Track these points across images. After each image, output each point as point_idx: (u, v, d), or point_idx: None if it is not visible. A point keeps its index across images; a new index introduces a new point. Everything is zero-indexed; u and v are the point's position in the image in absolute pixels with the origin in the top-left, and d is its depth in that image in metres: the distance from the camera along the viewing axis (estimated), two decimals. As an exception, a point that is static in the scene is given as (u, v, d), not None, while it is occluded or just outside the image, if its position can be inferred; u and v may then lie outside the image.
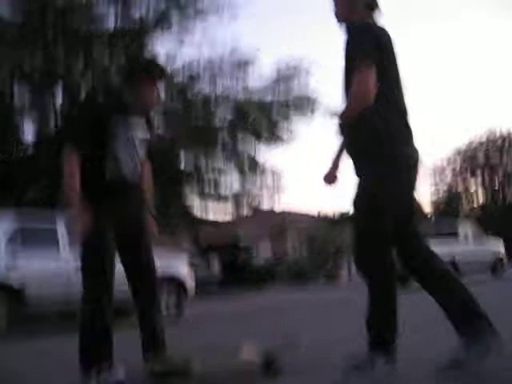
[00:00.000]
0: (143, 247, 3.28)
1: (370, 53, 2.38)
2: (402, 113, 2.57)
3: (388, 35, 2.54)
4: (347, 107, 2.52)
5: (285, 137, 16.16)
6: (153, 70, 3.12)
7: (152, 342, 3.18)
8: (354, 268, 23.02)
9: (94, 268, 3.09)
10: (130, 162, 3.15)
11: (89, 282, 3.10)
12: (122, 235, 3.19)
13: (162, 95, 3.21)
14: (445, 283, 2.59)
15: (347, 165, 2.79)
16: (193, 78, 15.03)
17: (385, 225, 2.53)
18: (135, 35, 14.08)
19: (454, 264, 15.13)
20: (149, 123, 3.32)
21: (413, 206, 2.72)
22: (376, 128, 2.45)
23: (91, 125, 3.05)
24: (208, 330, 7.02)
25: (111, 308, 3.14)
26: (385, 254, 2.58)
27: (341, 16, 2.65)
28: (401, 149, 2.50)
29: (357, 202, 2.58)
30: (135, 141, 3.17)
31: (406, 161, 2.54)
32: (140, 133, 3.21)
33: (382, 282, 2.59)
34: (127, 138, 3.12)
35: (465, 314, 2.51)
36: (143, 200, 3.37)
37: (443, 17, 60.32)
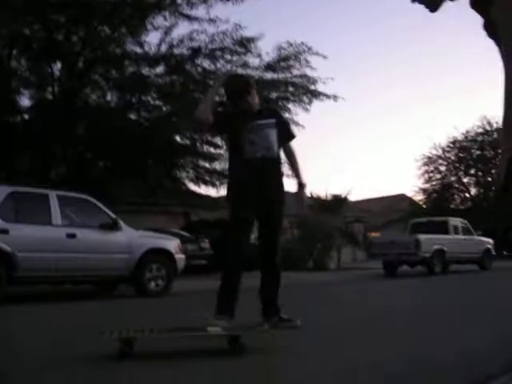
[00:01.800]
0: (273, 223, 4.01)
1: None
2: None
3: None
4: None
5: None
6: (248, 87, 4.00)
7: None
8: (343, 256, 23.08)
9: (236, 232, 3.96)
10: (261, 145, 3.91)
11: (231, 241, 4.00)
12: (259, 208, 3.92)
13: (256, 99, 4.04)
14: None
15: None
16: (193, 51, 14.93)
17: None
18: (137, 6, 13.93)
19: (443, 254, 15.40)
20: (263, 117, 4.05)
21: None
22: None
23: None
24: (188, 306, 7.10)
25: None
26: None
27: None
28: None
29: None
30: (262, 130, 3.95)
31: None
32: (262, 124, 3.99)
33: None
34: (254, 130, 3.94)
35: None
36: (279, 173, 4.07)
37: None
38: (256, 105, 4.03)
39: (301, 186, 4.09)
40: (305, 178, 4.10)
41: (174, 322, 4.78)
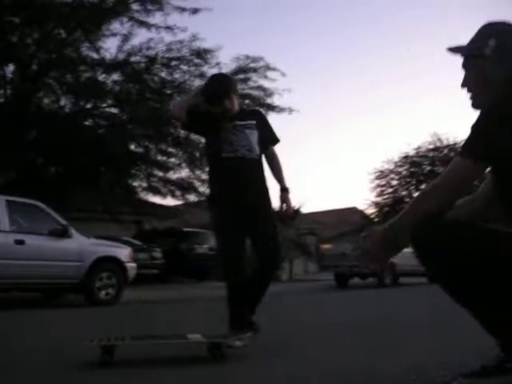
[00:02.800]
0: (263, 220, 3.77)
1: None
2: None
3: None
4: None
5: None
6: (229, 92, 3.85)
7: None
8: (295, 268, 23.21)
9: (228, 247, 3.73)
10: (241, 145, 3.78)
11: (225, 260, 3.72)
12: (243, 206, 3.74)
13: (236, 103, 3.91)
14: None
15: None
16: (149, 59, 14.86)
17: None
18: (93, 10, 13.77)
19: (393, 267, 15.65)
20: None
21: None
22: None
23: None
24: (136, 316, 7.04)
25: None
26: None
27: None
28: None
29: None
30: (241, 131, 3.82)
31: None
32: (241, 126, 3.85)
33: None
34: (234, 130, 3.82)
35: None
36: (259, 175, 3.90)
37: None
38: (235, 108, 3.87)
39: (284, 190, 3.89)
40: (287, 183, 3.92)
41: (136, 330, 4.71)
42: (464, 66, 2.07)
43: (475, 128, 1.86)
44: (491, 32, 1.99)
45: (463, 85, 2.08)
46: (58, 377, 2.83)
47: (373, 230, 2.09)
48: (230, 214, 3.72)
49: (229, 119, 3.81)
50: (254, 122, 3.90)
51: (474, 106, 2.04)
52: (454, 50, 2.06)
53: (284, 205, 3.87)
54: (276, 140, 4.05)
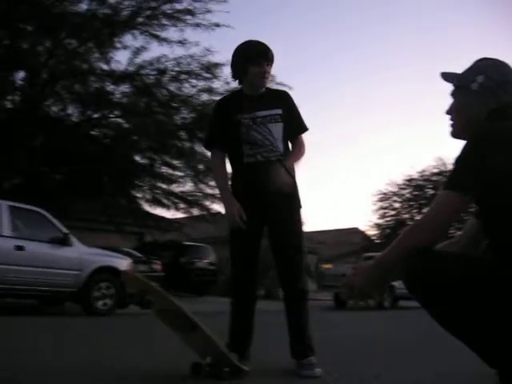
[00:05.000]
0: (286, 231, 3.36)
1: None
2: None
3: None
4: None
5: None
6: (269, 52, 3.34)
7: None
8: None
9: (241, 261, 3.38)
10: (262, 144, 3.31)
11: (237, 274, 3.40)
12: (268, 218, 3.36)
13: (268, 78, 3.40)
14: None
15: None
16: (159, 72, 14.94)
17: None
18: (107, 23, 13.88)
19: (393, 289, 15.59)
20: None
21: None
22: None
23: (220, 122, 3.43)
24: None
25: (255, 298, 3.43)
26: None
27: None
28: None
29: None
30: (263, 124, 3.33)
31: None
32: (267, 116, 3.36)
33: None
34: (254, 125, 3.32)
35: None
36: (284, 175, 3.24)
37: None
38: (266, 81, 3.39)
39: (282, 163, 3.24)
40: (292, 163, 3.33)
41: (130, 342, 4.70)
42: (452, 94, 2.12)
43: (460, 161, 1.89)
44: (483, 68, 2.03)
45: (447, 112, 2.13)
46: None
47: (360, 265, 2.15)
48: (247, 229, 3.27)
49: (250, 108, 3.33)
50: (280, 112, 3.37)
51: (452, 134, 2.11)
52: (446, 76, 2.10)
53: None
54: (305, 128, 3.52)
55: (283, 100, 3.48)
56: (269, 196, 3.23)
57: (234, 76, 3.49)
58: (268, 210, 3.33)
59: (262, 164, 3.27)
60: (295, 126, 3.47)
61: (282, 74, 53.32)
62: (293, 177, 3.31)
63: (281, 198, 3.25)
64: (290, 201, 3.37)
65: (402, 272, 1.90)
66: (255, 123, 3.31)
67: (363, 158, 68.41)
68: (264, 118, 3.33)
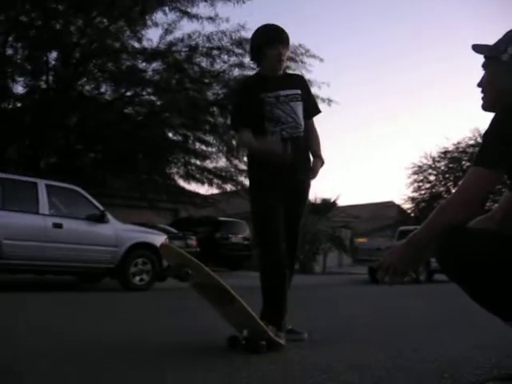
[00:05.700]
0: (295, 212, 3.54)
1: None
2: None
3: None
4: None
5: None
6: (284, 35, 3.48)
7: None
8: (328, 261, 23.10)
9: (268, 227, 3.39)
10: (285, 121, 3.45)
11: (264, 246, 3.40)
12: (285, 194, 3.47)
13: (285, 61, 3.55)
14: None
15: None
16: (190, 48, 14.91)
17: None
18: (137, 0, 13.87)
19: (428, 263, 15.45)
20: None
21: None
22: None
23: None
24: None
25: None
26: None
27: None
28: None
29: None
30: (286, 103, 3.47)
31: None
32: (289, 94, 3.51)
33: None
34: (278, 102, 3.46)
35: None
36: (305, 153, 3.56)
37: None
38: (283, 63, 3.52)
39: (319, 157, 3.57)
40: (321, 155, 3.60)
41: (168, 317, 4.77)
42: (483, 65, 2.04)
43: (489, 135, 1.83)
44: None
45: (479, 85, 2.06)
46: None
47: (394, 244, 2.14)
48: (272, 198, 3.40)
49: (273, 87, 3.47)
50: (299, 92, 3.54)
51: (483, 107, 2.03)
52: (477, 48, 2.02)
53: (313, 171, 3.57)
54: (318, 111, 3.76)
55: (301, 82, 3.70)
56: (294, 176, 3.46)
57: (253, 59, 3.70)
58: (290, 191, 3.48)
59: (286, 140, 3.41)
60: (311, 108, 3.67)
61: (321, 46, 52.87)
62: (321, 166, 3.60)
63: (304, 185, 3.58)
64: (308, 189, 3.64)
65: (434, 250, 1.88)
66: (278, 101, 3.46)
67: (398, 130, 67.45)
68: (286, 96, 3.49)
